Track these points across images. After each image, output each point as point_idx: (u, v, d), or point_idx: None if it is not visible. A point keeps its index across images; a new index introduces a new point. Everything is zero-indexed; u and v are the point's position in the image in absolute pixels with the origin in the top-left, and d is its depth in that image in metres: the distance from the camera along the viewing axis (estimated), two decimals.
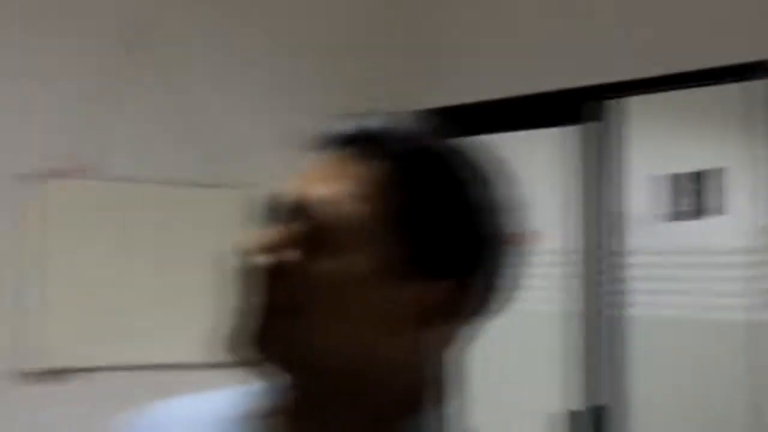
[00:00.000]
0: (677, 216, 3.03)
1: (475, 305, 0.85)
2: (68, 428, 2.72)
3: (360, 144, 0.84)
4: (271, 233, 0.83)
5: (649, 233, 3.14)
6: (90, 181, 2.85)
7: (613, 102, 2.88)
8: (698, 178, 3.05)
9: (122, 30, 2.96)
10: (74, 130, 2.85)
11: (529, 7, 3.14)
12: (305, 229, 0.81)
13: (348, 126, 0.85)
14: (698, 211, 3.02)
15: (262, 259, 0.81)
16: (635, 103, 2.92)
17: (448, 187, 0.84)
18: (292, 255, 0.81)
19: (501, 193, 0.85)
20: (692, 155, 3.16)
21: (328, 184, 0.83)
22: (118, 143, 2.90)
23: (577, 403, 2.92)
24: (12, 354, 2.72)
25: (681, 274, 3.08)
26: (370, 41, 3.34)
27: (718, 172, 3.01)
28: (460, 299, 0.83)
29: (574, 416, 2.91)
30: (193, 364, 2.62)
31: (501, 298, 0.86)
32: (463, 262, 0.83)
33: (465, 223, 0.83)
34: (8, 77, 2.74)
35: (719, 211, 2.99)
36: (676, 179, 3.04)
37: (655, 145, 3.19)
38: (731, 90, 2.68)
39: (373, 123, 0.85)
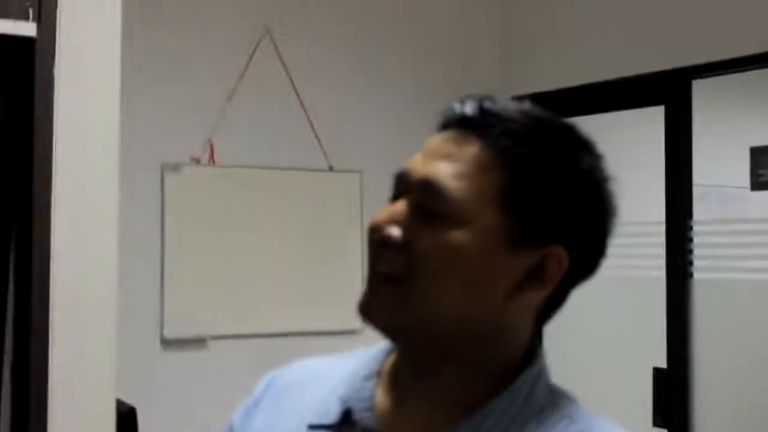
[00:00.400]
0: (758, 186, 3.06)
1: (579, 269, 0.88)
2: (204, 389, 2.91)
3: (477, 124, 0.86)
4: (394, 207, 0.86)
5: (730, 203, 3.31)
6: (221, 168, 2.99)
7: (695, 82, 2.89)
8: None
9: (251, 35, 3.07)
10: (209, 124, 3.01)
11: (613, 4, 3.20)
12: (425, 203, 0.84)
13: (466, 107, 0.88)
14: None
15: (384, 232, 0.85)
16: (712, 83, 2.89)
17: (559, 162, 0.86)
18: (412, 227, 0.84)
19: (603, 167, 0.88)
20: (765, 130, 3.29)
21: (447, 163, 0.85)
22: (246, 134, 3.06)
23: (661, 361, 2.94)
24: (156, 324, 2.88)
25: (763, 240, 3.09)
26: (467, 39, 3.43)
27: None
28: (567, 263, 0.85)
29: (659, 373, 2.96)
30: (316, 332, 3.00)
31: (599, 262, 0.89)
32: (572, 229, 0.86)
33: (575, 195, 0.86)
34: (156, 79, 2.89)
35: None
36: (756, 152, 3.06)
37: (732, 121, 3.31)
38: None
39: (488, 105, 0.87)
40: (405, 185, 0.86)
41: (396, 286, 0.83)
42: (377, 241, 0.85)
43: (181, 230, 2.89)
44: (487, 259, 0.83)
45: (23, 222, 2.57)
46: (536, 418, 0.85)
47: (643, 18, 3.05)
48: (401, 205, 0.85)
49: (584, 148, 0.87)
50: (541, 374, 0.88)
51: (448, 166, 0.84)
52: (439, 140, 0.87)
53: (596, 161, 0.87)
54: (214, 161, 2.95)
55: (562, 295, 0.89)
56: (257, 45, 3.03)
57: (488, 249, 0.83)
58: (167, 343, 2.88)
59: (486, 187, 0.83)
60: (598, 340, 2.99)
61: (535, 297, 0.85)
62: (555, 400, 0.88)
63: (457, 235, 0.82)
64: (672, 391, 2.91)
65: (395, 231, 0.83)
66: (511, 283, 0.84)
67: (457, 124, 0.87)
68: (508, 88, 3.10)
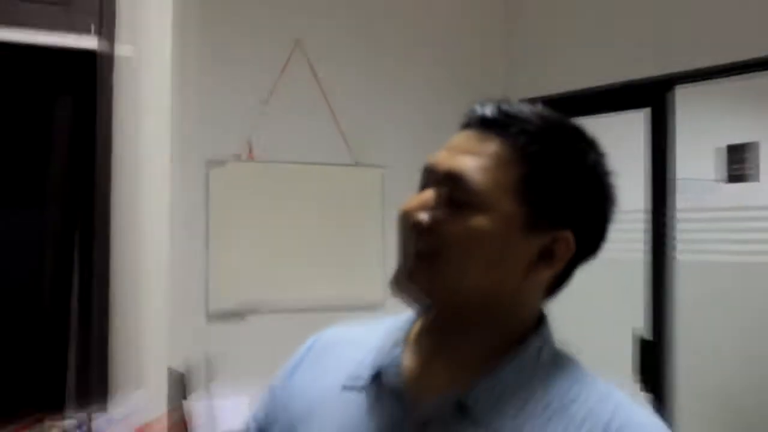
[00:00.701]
0: (731, 179, 3.21)
1: (584, 251, 0.91)
2: (246, 357, 2.97)
3: (496, 124, 0.89)
4: (423, 196, 0.89)
5: (706, 194, 3.31)
6: (259, 164, 3.08)
7: (677, 88, 2.93)
8: (742, 149, 3.21)
9: (286, 45, 3.13)
10: (248, 124, 3.07)
11: (604, 15, 3.24)
12: (451, 193, 0.87)
13: (486, 109, 0.90)
14: (744, 176, 3.19)
15: (415, 217, 0.88)
16: (692, 89, 2.92)
17: (569, 158, 0.89)
18: (439, 213, 0.87)
19: (606, 163, 0.91)
20: (738, 130, 3.30)
21: (470, 158, 0.88)
22: (281, 133, 3.13)
23: (645, 332, 3.00)
24: (203, 299, 2.97)
25: (734, 226, 3.19)
26: (476, 50, 3.50)
27: (755, 145, 3.20)
28: (574, 245, 0.89)
29: (642, 342, 3.01)
30: (342, 306, 3.07)
31: (601, 245, 0.93)
32: (579, 216, 0.89)
33: (582, 186, 0.89)
34: (201, 86, 2.94)
35: (756, 177, 3.20)
36: (730, 150, 3.20)
37: (708, 123, 3.32)
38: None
39: (506, 107, 0.90)
40: (432, 177, 0.90)
41: (426, 263, 0.87)
42: (409, 225, 0.89)
43: (224, 218, 2.98)
44: (505, 241, 0.86)
45: (86, 211, 2.74)
46: (542, 376, 0.89)
47: (630, 29, 3.10)
48: (429, 194, 0.89)
49: (590, 145, 0.91)
50: (548, 339, 0.92)
51: (472, 160, 0.87)
52: (462, 138, 0.90)
53: (600, 157, 0.91)
54: (252, 157, 3.04)
55: (569, 273, 0.93)
56: (291, 54, 3.07)
57: (506, 233, 0.86)
58: (212, 316, 2.97)
59: (505, 180, 0.87)
60: (591, 312, 3.00)
61: (546, 275, 0.89)
62: (559, 360, 0.92)
63: (480, 221, 0.86)
64: (655, 356, 2.98)
65: (424, 216, 0.87)
66: (525, 263, 0.88)
67: (478, 124, 0.90)
68: (512, 92, 3.20)
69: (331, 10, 3.20)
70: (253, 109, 3.05)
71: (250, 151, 3.04)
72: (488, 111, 0.89)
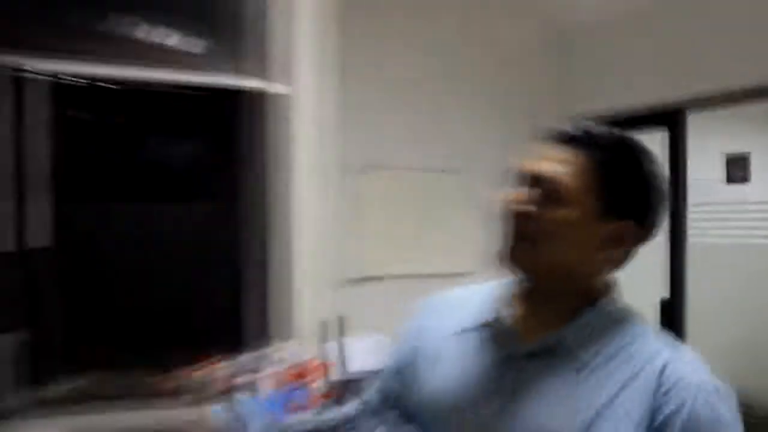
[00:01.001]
0: (729, 181, 3.50)
1: (644, 236, 1.00)
2: (376, 318, 2.86)
3: (576, 139, 0.98)
4: (519, 193, 0.99)
5: (712, 192, 3.56)
6: (387, 171, 3.31)
7: (686, 113, 3.08)
8: (738, 158, 3.46)
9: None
10: (374, 136, 3.28)
11: (630, 52, 3.29)
12: (540, 191, 0.98)
13: (569, 128, 1.00)
14: (739, 178, 3.49)
15: (515, 208, 0.99)
16: (702, 113, 3.04)
17: (633, 165, 0.98)
18: (532, 206, 0.98)
19: (659, 168, 1.00)
20: (734, 143, 3.52)
21: (554, 164, 0.97)
22: (404, 143, 3.35)
23: (665, 296, 3.15)
24: (340, 267, 3.13)
25: (732, 216, 3.44)
26: (533, 74, 3.60)
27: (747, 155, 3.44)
28: (637, 232, 0.98)
29: (662, 303, 3.18)
30: (442, 274, 3.25)
31: (656, 232, 1.01)
32: (640, 209, 0.99)
33: (642, 187, 0.98)
34: (347, 117, 3.05)
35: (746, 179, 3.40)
36: (728, 159, 3.51)
37: (713, 135, 3.54)
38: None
39: (584, 126, 0.99)
40: (525, 179, 0.98)
41: (526, 243, 0.97)
42: (513, 215, 0.97)
43: (361, 208, 3.24)
44: (584, 228, 0.95)
45: (262, 205, 3.03)
46: (612, 327, 0.98)
47: (649, 62, 3.18)
48: (526, 192, 0.97)
49: (647, 155, 0.97)
50: (616, 301, 1.01)
51: (561, 166, 0.95)
52: (550, 149, 0.98)
53: (654, 165, 0.97)
54: (378, 166, 3.27)
55: (632, 252, 0.99)
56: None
57: (586, 222, 0.95)
58: (346, 282, 3.15)
59: (586, 182, 0.95)
60: (624, 280, 3.03)
61: (615, 254, 0.97)
62: (625, 317, 1.00)
63: (567, 212, 0.95)
64: (672, 315, 3.13)
65: (528, 207, 0.96)
66: (598, 245, 0.96)
67: (562, 138, 0.98)
68: (564, 111, 3.31)
69: (446, 48, 3.38)
70: (377, 122, 3.25)
71: (378, 161, 3.26)
72: (571, 129, 0.99)
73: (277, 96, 3.01)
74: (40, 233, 2.81)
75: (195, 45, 2.96)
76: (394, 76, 3.27)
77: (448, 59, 3.43)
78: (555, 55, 3.66)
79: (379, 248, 3.31)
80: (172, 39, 2.98)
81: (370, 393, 1.27)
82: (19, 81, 2.68)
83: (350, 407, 1.59)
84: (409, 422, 1.12)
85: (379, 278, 3.29)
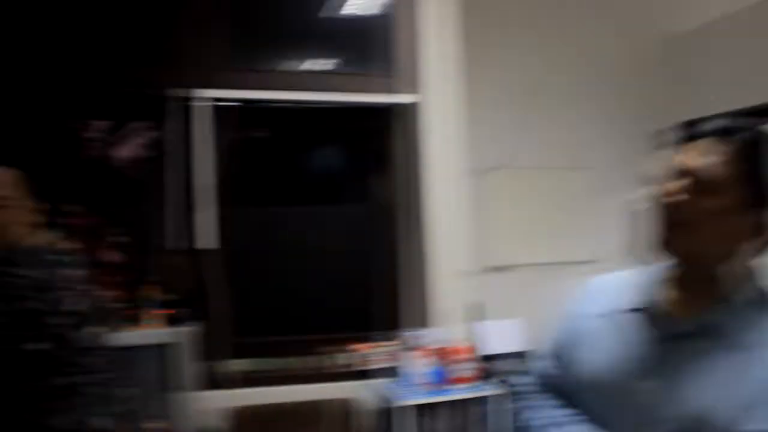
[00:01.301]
0: None
1: None
2: (507, 304, 3.27)
3: (725, 134, 1.00)
4: (671, 184, 1.00)
5: None
6: (516, 170, 3.46)
7: None
8: None
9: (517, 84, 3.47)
10: (499, 138, 3.50)
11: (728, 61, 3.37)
12: (691, 182, 0.99)
13: (716, 124, 1.01)
14: None
15: (669, 198, 1.00)
16: None
17: None
18: (684, 196, 0.99)
19: None
20: None
21: (704, 157, 0.99)
22: (524, 145, 3.54)
23: None
24: (475, 258, 3.34)
25: None
26: (648, 81, 3.71)
27: None
28: None
29: None
30: (572, 262, 3.41)
31: None
32: None
33: None
34: (472, 120, 3.23)
35: None
36: None
37: None
38: None
39: (730, 121, 1.00)
40: (681, 171, 0.99)
41: (681, 231, 0.98)
42: (668, 203, 0.98)
43: (491, 203, 3.43)
44: (732, 217, 0.97)
45: (406, 205, 3.28)
46: (754, 307, 1.00)
47: (743, 66, 3.25)
48: (678, 183, 0.98)
49: None
50: (758, 284, 1.01)
51: (713, 159, 0.97)
52: (702, 144, 0.99)
53: None
54: (508, 166, 3.46)
55: None
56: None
57: (733, 211, 0.97)
58: (485, 270, 3.37)
59: (734, 174, 0.97)
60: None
61: (758, 242, 0.99)
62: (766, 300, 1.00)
63: (717, 202, 0.97)
64: None
65: (683, 196, 0.97)
66: (748, 231, 0.98)
67: (710, 134, 1.00)
68: (681, 111, 2.96)
69: (564, 59, 3.58)
70: (497, 127, 3.46)
71: (506, 161, 3.46)
72: (719, 125, 0.99)
73: (412, 106, 3.30)
74: (208, 236, 3.20)
75: (351, 69, 3.42)
76: (518, 80, 3.52)
77: (565, 67, 3.58)
78: (675, 56, 3.74)
79: (511, 240, 3.50)
80: (331, 66, 3.46)
81: (529, 375, 1.30)
82: (211, 109, 3.18)
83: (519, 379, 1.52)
84: (566, 404, 1.16)
85: (512, 267, 3.46)
